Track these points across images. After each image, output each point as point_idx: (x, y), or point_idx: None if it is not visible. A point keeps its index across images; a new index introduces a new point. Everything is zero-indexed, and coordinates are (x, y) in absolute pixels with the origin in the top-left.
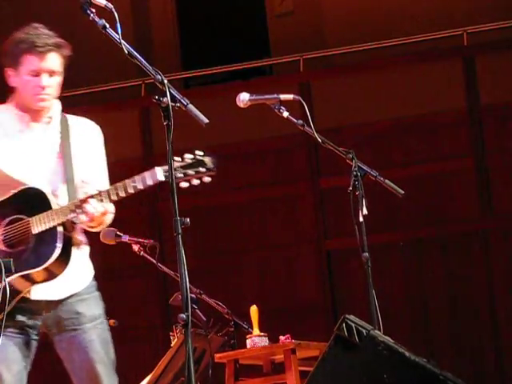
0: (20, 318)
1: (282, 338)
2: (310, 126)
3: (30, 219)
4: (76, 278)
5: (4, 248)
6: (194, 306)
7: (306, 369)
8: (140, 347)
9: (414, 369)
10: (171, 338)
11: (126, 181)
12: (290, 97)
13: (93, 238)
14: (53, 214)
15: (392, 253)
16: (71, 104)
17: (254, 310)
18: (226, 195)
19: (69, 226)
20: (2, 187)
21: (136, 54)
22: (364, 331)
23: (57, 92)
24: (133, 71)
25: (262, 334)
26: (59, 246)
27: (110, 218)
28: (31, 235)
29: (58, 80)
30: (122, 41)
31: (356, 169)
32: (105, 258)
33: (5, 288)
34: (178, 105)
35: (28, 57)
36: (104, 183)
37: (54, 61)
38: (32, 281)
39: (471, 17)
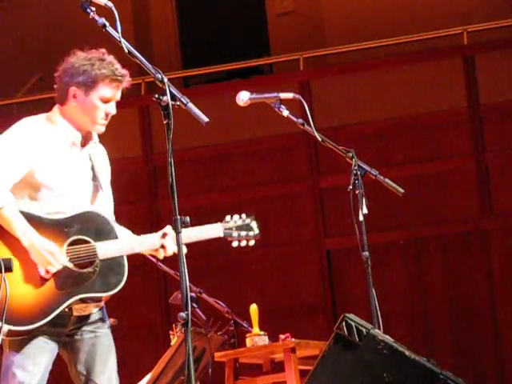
0: (52, 327)
1: (281, 336)
2: (309, 125)
3: (97, 244)
4: None
5: (72, 267)
6: (193, 304)
7: (306, 368)
8: (140, 346)
9: (414, 368)
10: (171, 336)
11: (193, 229)
12: (289, 95)
13: None
14: (122, 244)
15: (392, 252)
16: None
17: (253, 309)
18: (226, 194)
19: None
20: (44, 202)
21: (136, 52)
22: (364, 330)
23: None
24: (133, 69)
25: (262, 332)
26: (125, 277)
27: None
28: (98, 260)
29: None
30: (122, 39)
31: (356, 167)
32: None
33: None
34: (178, 103)
35: (107, 84)
36: (112, 207)
37: (121, 92)
38: (86, 302)
39: (471, 16)
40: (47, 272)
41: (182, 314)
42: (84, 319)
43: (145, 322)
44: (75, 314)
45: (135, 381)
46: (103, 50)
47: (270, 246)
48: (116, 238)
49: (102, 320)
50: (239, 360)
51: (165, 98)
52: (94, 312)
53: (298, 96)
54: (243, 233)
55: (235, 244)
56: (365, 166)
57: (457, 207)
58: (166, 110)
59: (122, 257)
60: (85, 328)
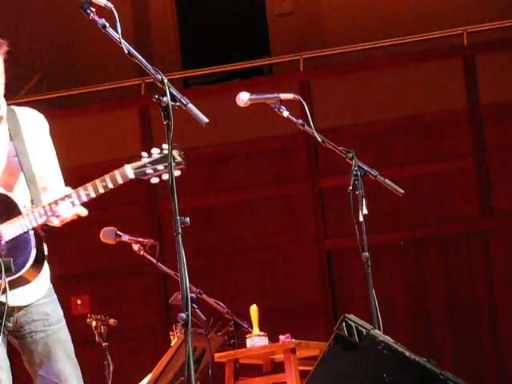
0: None
1: (281, 337)
2: (309, 126)
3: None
4: (42, 280)
5: None
6: (193, 305)
7: (306, 368)
8: (140, 347)
9: (414, 368)
10: (171, 337)
11: (96, 181)
12: (289, 96)
13: (92, 237)
14: (24, 220)
15: (392, 252)
16: (72, 103)
17: (253, 310)
18: (226, 194)
19: (39, 229)
20: None
21: (136, 53)
22: (364, 331)
23: (3, 91)
24: (133, 70)
25: (262, 333)
26: (33, 252)
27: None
28: (3, 243)
29: (3, 80)
30: (122, 40)
31: (356, 168)
32: (105, 257)
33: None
34: (178, 104)
35: None
36: (58, 176)
37: (1, 63)
38: (20, 282)
39: (471, 16)
40: None
41: (182, 315)
42: (29, 315)
43: (145, 323)
44: (12, 304)
45: (135, 381)
46: None
47: (270, 246)
48: (19, 214)
49: (52, 315)
50: (239, 360)
51: (165, 99)
52: (39, 303)
53: (297, 97)
54: (161, 166)
55: (155, 180)
56: (365, 167)
57: (457, 207)
58: (165, 110)
59: (27, 233)
60: (34, 328)
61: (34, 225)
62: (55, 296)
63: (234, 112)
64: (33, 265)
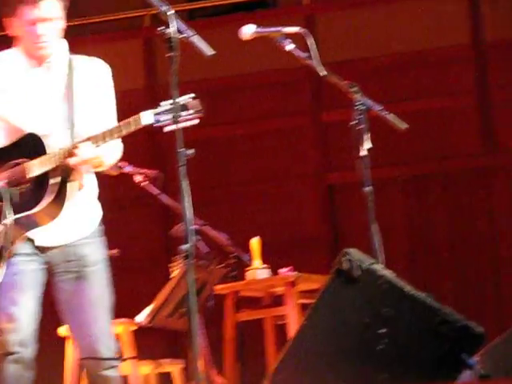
0: (30, 249)
1: (282, 270)
2: (313, 59)
3: (26, 164)
4: (83, 223)
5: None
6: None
7: (307, 301)
8: (141, 278)
9: (414, 303)
10: (171, 269)
11: (121, 123)
12: (295, 29)
13: None
14: (46, 160)
15: (394, 187)
16: (75, 34)
17: (255, 242)
18: (228, 127)
19: (68, 170)
20: (2, 133)
21: None
22: (364, 265)
23: (57, 37)
24: (138, 1)
25: (264, 265)
26: (49, 193)
27: (111, 159)
28: (27, 179)
29: (56, 26)
30: None
31: (359, 102)
32: (107, 188)
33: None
34: (184, 36)
35: (22, 7)
36: (112, 122)
37: (49, 8)
38: (31, 224)
39: None
40: None
41: (184, 247)
42: (66, 254)
43: (146, 254)
44: (37, 243)
45: (136, 313)
46: None
47: (271, 179)
48: (45, 153)
49: (89, 256)
50: (240, 293)
51: (169, 31)
52: (77, 243)
53: (303, 30)
54: (179, 114)
55: (169, 128)
56: (368, 101)
57: (459, 144)
58: (170, 42)
59: (47, 173)
60: (68, 267)
61: (53, 165)
62: (99, 239)
63: (238, 45)
64: (50, 205)
